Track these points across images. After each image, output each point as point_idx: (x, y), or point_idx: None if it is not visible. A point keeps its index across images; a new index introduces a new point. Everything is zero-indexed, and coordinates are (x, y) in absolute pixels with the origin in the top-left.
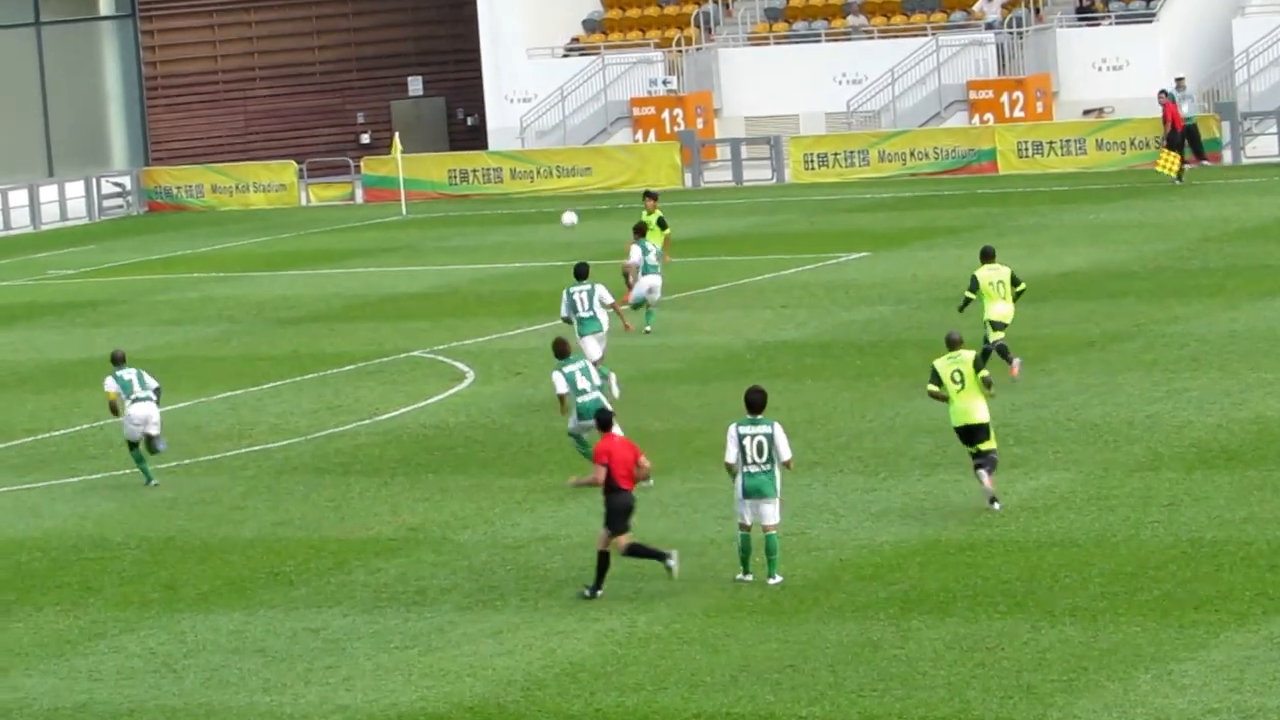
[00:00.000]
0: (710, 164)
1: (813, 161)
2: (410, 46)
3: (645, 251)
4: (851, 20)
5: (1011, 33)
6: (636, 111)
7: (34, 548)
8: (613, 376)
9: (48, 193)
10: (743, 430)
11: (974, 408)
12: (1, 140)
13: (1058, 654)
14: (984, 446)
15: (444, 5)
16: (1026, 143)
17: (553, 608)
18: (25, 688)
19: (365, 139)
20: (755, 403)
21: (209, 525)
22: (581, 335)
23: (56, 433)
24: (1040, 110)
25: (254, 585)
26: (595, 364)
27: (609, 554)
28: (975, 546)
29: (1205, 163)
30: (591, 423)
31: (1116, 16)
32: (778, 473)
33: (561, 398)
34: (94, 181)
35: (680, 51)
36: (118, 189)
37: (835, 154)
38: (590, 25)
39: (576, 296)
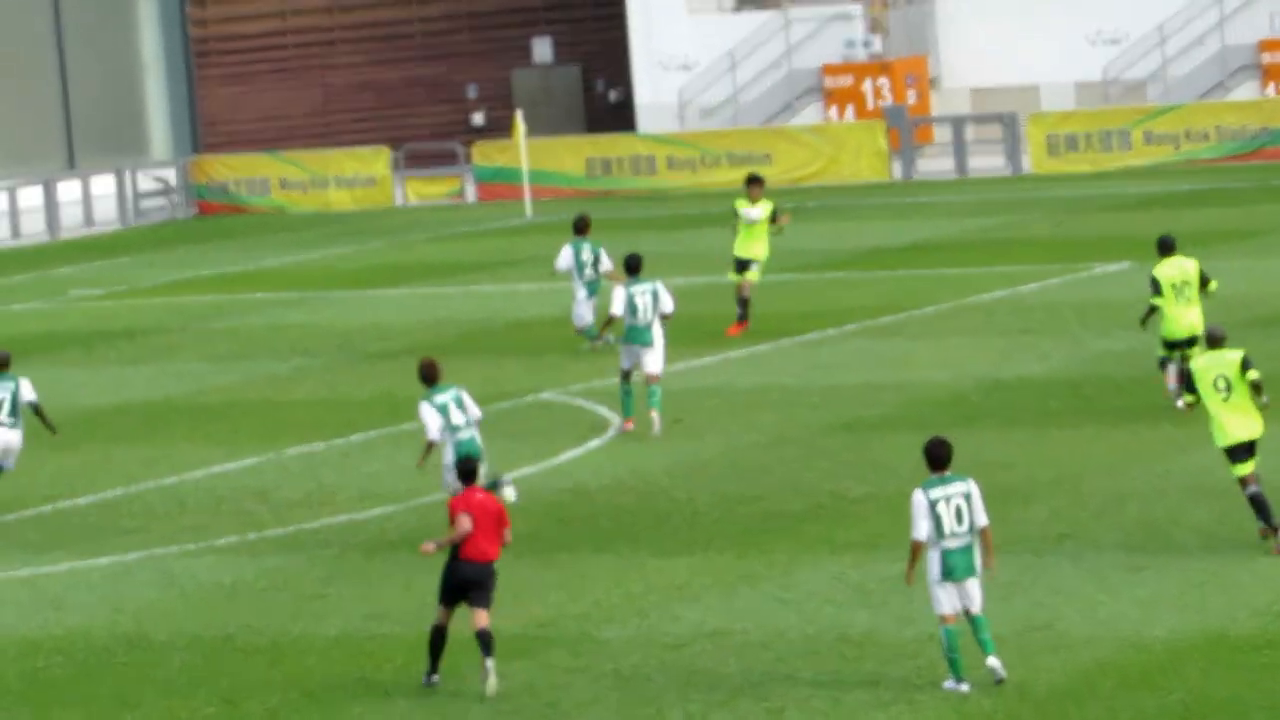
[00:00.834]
0: (926, 149)
1: (1058, 145)
2: (537, 0)
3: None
4: None
5: None
6: (829, 82)
7: (54, 650)
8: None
9: (68, 190)
10: (934, 494)
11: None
12: (9, 125)
13: None
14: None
15: None
16: None
17: None
18: None
19: (479, 119)
20: (940, 457)
21: (280, 620)
22: (627, 343)
23: (82, 500)
24: None
25: (339, 697)
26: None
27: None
28: (1275, 644)
29: None
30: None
31: None
32: (975, 544)
33: (430, 445)
34: (127, 176)
35: (886, 5)
36: (158, 185)
37: (1088, 135)
38: None
39: (639, 299)
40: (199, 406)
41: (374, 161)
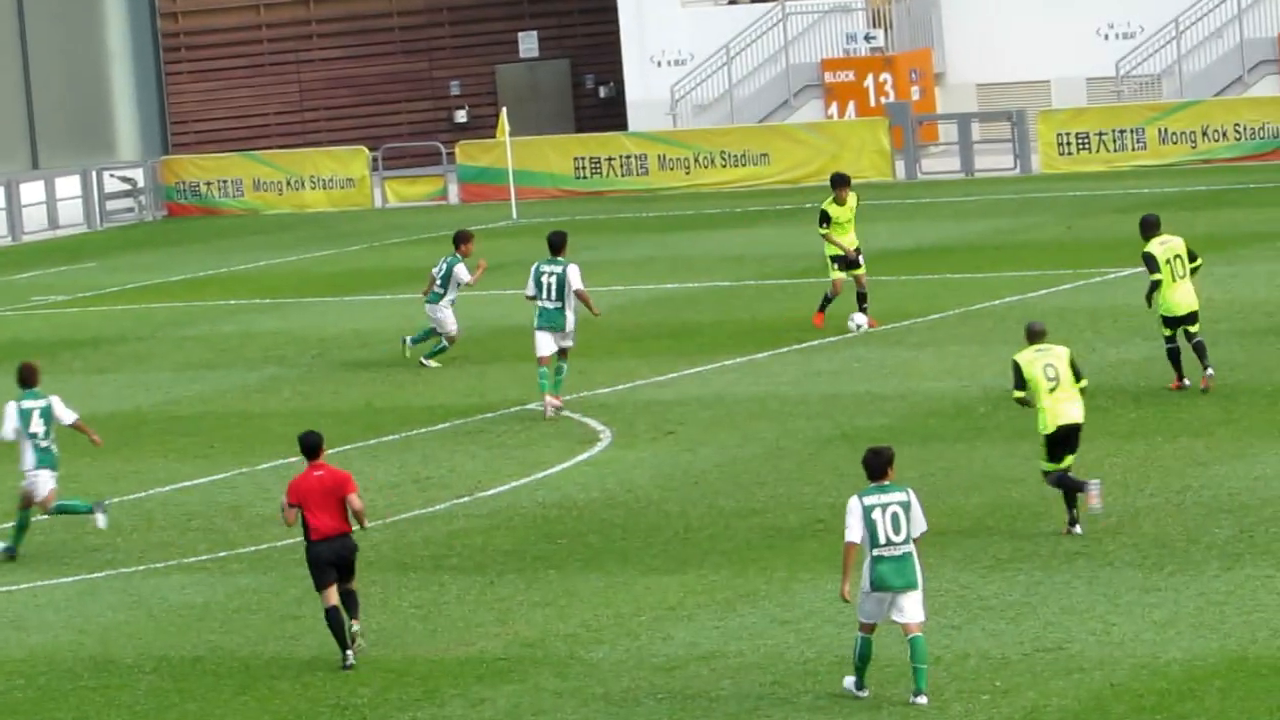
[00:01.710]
0: (930, 148)
1: (1069, 144)
2: None
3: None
4: None
5: None
6: (829, 77)
7: (15, 672)
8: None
9: (31, 192)
10: (868, 501)
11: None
12: None
13: None
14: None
15: None
16: None
17: None
18: None
19: (461, 117)
20: (876, 466)
21: (251, 642)
22: (539, 327)
23: (43, 516)
24: None
25: None
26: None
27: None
28: None
29: None
30: (40, 475)
31: None
32: (916, 555)
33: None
34: (94, 176)
35: None
36: (126, 186)
37: (1100, 134)
38: None
39: (545, 278)
40: (169, 417)
41: (352, 161)
